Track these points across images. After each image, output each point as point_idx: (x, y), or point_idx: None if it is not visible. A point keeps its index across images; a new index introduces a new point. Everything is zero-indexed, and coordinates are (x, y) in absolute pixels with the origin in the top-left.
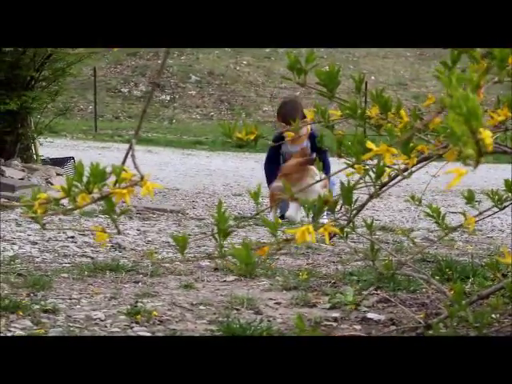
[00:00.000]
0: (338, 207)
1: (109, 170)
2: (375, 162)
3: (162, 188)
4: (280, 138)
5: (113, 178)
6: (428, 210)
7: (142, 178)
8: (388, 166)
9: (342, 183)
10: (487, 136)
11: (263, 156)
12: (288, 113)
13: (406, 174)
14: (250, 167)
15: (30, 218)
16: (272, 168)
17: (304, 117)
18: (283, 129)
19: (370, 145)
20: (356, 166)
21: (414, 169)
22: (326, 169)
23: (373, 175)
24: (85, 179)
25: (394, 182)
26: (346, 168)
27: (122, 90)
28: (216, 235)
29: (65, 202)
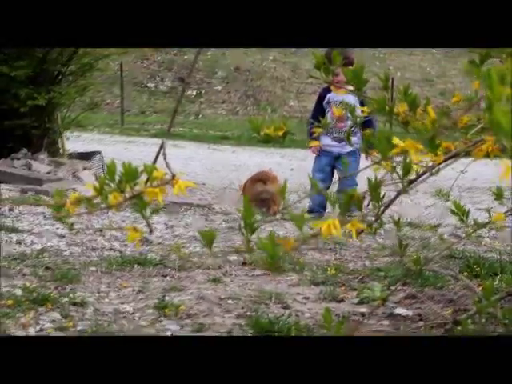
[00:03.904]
0: (366, 203)
1: (140, 168)
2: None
3: (194, 185)
4: (327, 89)
5: (144, 177)
6: (453, 207)
7: (173, 176)
8: (416, 163)
9: (369, 179)
10: None
11: (289, 151)
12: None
13: (433, 170)
14: (276, 162)
15: (59, 219)
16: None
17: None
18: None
19: (395, 140)
20: (384, 162)
21: (442, 165)
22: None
23: (400, 172)
24: (116, 178)
25: (421, 178)
26: (372, 165)
27: (148, 84)
28: (243, 230)
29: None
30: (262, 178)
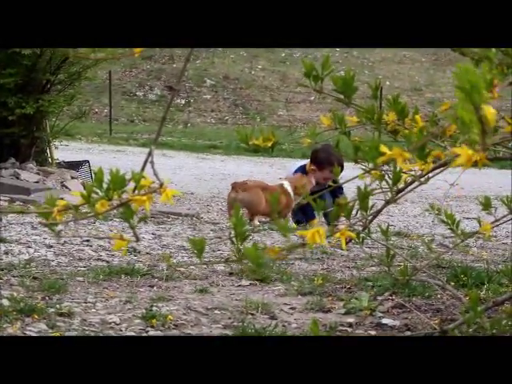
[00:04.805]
0: (354, 212)
1: (128, 176)
2: (391, 167)
3: (181, 194)
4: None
5: (132, 185)
6: (443, 217)
7: (161, 184)
8: (405, 172)
9: (358, 189)
10: (489, 112)
11: (278, 160)
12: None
13: (422, 179)
14: (265, 171)
15: (46, 226)
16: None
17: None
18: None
19: (383, 148)
20: (372, 171)
21: (431, 175)
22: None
23: (389, 181)
24: (104, 185)
25: (411, 188)
26: (362, 174)
27: (137, 93)
28: (233, 239)
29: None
30: (235, 187)
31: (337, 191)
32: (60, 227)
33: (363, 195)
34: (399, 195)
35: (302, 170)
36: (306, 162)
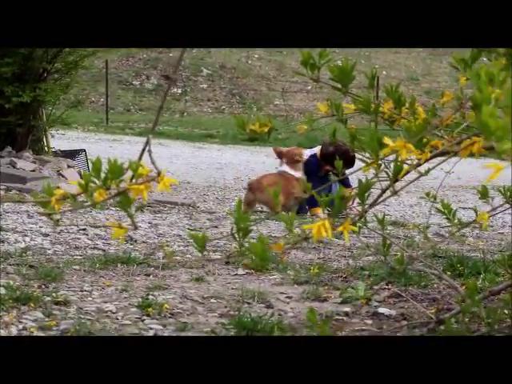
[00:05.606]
0: (350, 202)
1: (126, 165)
2: (390, 157)
3: (178, 183)
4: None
5: (129, 174)
6: (439, 206)
7: (158, 173)
8: (405, 163)
9: (359, 181)
10: None
11: None
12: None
13: (423, 171)
14: (261, 161)
15: (44, 215)
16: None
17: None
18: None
19: (386, 140)
20: (370, 161)
21: (431, 166)
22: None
23: (389, 172)
24: (102, 175)
25: (412, 179)
26: (361, 168)
27: (133, 82)
28: (235, 234)
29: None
30: (251, 187)
31: (345, 183)
32: (58, 216)
33: (364, 187)
34: (401, 187)
35: (314, 157)
36: (315, 149)
